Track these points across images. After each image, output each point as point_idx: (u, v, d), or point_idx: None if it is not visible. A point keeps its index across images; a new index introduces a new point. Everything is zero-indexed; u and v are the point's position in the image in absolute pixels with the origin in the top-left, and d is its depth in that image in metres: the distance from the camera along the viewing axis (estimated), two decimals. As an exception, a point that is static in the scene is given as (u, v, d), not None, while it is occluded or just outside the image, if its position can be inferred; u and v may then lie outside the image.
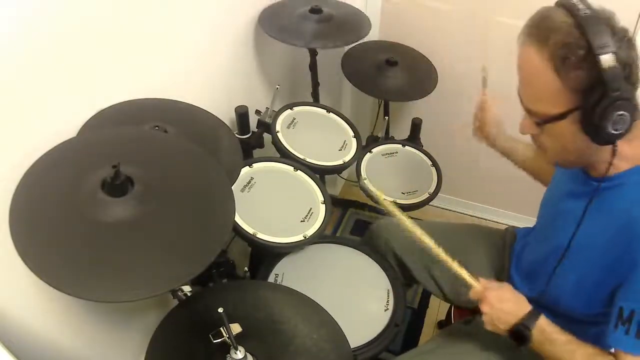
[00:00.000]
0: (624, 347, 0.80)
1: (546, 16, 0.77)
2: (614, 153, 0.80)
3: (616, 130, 0.75)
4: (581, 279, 0.91)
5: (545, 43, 0.75)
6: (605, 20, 0.73)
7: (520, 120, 0.88)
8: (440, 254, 0.97)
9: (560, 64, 0.74)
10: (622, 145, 0.79)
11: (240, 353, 0.79)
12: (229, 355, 0.80)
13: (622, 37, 0.74)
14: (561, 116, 0.79)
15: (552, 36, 0.75)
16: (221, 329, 0.79)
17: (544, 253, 1.03)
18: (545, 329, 0.87)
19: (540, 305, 1.01)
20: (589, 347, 0.84)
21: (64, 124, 0.91)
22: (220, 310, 0.76)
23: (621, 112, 0.73)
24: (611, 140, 0.77)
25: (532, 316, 0.89)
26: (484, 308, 0.93)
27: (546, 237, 1.04)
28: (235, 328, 0.81)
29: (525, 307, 0.91)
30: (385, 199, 1.03)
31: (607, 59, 0.71)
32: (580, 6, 0.74)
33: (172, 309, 0.94)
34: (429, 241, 0.98)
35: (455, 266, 0.97)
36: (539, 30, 0.77)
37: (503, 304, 0.92)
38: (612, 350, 0.83)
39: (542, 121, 0.82)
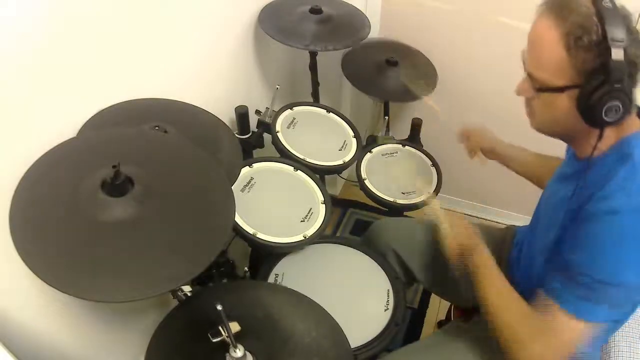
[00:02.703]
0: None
1: None
2: (600, 137, 0.83)
3: (607, 117, 0.79)
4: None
5: (564, 19, 0.79)
6: (623, 17, 0.77)
7: (518, 83, 0.91)
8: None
9: (573, 42, 0.78)
10: (610, 130, 0.84)
11: (239, 351, 0.79)
12: (228, 354, 0.80)
13: (635, 37, 0.78)
14: (560, 89, 0.83)
15: (572, 15, 0.78)
16: (220, 327, 0.80)
17: (539, 241, 1.04)
18: (485, 257, 0.99)
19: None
20: (522, 302, 0.91)
21: (64, 124, 0.91)
22: (219, 307, 0.76)
23: (617, 103, 0.78)
24: (601, 124, 0.81)
25: (477, 247, 1.00)
26: (443, 227, 1.05)
27: (540, 224, 1.06)
28: (234, 327, 0.81)
29: (474, 240, 1.02)
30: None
31: (617, 52, 0.75)
32: None
33: (170, 310, 0.94)
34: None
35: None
36: (561, 7, 0.80)
37: (457, 234, 1.04)
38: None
39: (541, 88, 0.85)
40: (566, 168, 1.01)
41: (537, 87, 0.86)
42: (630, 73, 0.78)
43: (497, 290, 0.95)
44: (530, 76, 0.87)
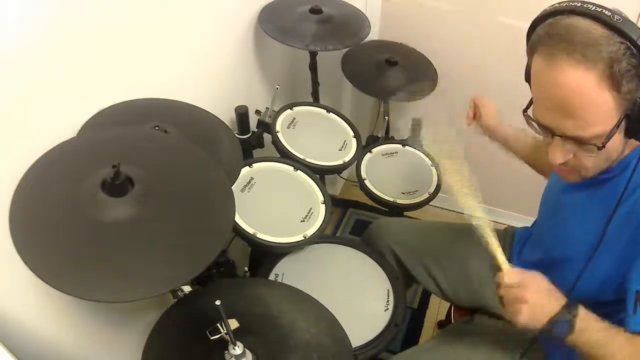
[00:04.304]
0: None
1: (578, 30, 0.71)
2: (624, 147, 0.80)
3: None
4: (592, 270, 0.88)
5: (594, 60, 0.69)
6: (632, 22, 0.70)
7: (550, 150, 0.81)
8: (484, 226, 0.93)
9: (619, 79, 0.70)
10: None
11: (238, 349, 0.79)
12: (227, 351, 0.80)
13: None
14: (613, 130, 0.74)
15: (599, 51, 0.69)
16: (218, 324, 0.79)
17: (550, 246, 1.03)
18: (585, 316, 0.81)
19: None
20: (625, 331, 0.80)
21: (64, 124, 0.91)
22: (218, 302, 0.75)
23: None
24: None
25: (570, 307, 0.82)
26: (527, 296, 0.82)
27: (550, 230, 1.04)
28: (233, 324, 0.80)
29: (560, 300, 0.83)
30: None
31: None
32: (607, 12, 0.70)
33: (168, 307, 0.94)
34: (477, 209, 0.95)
35: (494, 242, 0.91)
36: (584, 48, 0.70)
37: (543, 295, 0.83)
38: None
39: (603, 143, 0.75)
40: None
41: (600, 145, 0.75)
42: None
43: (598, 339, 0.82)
44: (577, 139, 0.77)
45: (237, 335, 0.80)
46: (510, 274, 0.87)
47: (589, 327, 0.81)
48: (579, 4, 0.72)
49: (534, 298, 0.82)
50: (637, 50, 0.69)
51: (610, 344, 0.80)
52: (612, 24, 0.69)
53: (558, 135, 0.78)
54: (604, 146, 0.76)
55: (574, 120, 0.75)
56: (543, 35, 0.75)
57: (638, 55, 0.69)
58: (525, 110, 0.82)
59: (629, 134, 0.76)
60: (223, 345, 0.80)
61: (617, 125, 0.74)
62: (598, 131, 0.75)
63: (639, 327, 0.79)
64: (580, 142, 0.77)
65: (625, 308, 0.80)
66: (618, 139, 0.77)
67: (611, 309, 0.86)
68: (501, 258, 0.89)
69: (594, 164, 0.82)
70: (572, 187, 0.94)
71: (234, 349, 0.79)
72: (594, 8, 0.71)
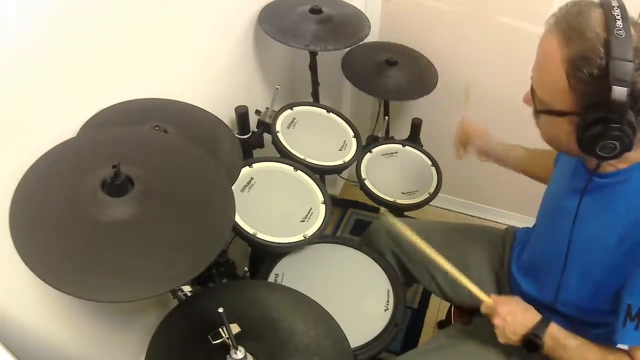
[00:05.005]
0: (638, 342, 0.80)
1: (582, 15, 0.73)
2: (598, 166, 0.81)
3: (602, 152, 0.75)
4: (586, 277, 0.91)
5: (568, 44, 0.73)
6: (635, 49, 0.69)
7: (526, 92, 0.86)
8: (454, 272, 1.02)
9: (573, 71, 0.73)
10: None
11: (240, 353, 0.79)
12: (229, 355, 0.80)
13: None
14: (559, 114, 0.79)
15: (578, 41, 0.72)
16: (220, 329, 0.79)
17: (545, 251, 1.03)
18: (555, 335, 0.89)
19: (544, 305, 1.01)
20: (600, 348, 0.85)
21: (64, 124, 0.91)
22: (220, 310, 0.76)
23: (613, 142, 0.73)
24: (597, 158, 0.77)
25: (541, 324, 0.91)
26: (496, 322, 0.95)
27: (547, 234, 1.04)
28: (235, 328, 0.81)
29: (535, 317, 0.93)
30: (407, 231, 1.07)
31: (620, 93, 0.69)
32: (619, 23, 0.69)
33: (170, 311, 0.94)
34: (442, 261, 1.03)
35: (467, 282, 1.01)
36: (570, 28, 0.73)
37: (514, 316, 0.94)
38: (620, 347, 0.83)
39: (542, 110, 0.81)
40: (576, 181, 0.92)
41: (538, 108, 0.82)
42: (634, 107, 0.70)
43: (571, 355, 0.88)
44: (533, 92, 0.83)
45: (238, 339, 0.80)
46: (485, 305, 0.99)
47: (560, 345, 0.88)
48: (607, 6, 0.72)
49: (504, 323, 0.94)
50: (605, 69, 0.69)
51: None
52: (610, 32, 0.69)
53: (532, 83, 0.84)
54: (540, 111, 0.82)
55: (536, 74, 0.81)
56: (564, 6, 0.77)
57: (601, 72, 0.70)
58: None
59: (577, 138, 0.77)
60: (225, 348, 0.80)
61: (563, 113, 0.78)
62: (546, 98, 0.80)
63: (623, 341, 0.81)
64: (534, 96, 0.83)
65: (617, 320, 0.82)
66: (568, 129, 0.78)
67: (611, 319, 0.85)
68: (477, 292, 1.00)
69: (543, 129, 0.86)
70: (573, 192, 0.93)
71: (235, 353, 0.79)
72: (617, 15, 0.70)
